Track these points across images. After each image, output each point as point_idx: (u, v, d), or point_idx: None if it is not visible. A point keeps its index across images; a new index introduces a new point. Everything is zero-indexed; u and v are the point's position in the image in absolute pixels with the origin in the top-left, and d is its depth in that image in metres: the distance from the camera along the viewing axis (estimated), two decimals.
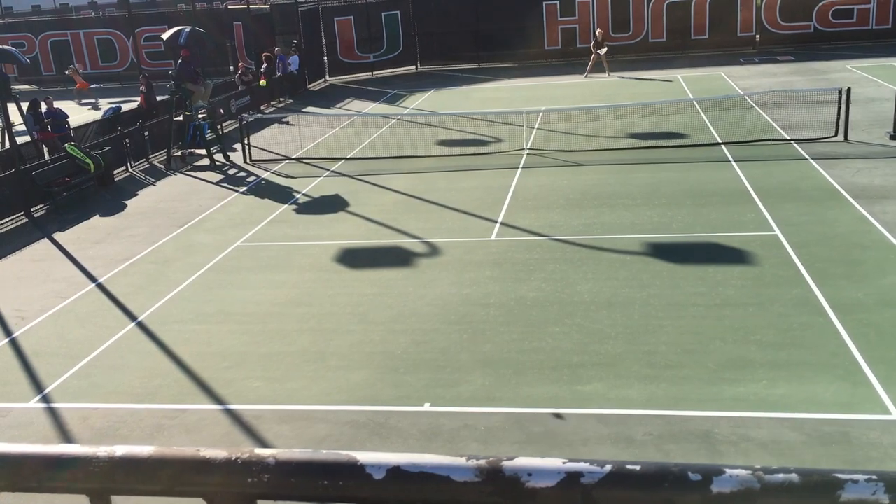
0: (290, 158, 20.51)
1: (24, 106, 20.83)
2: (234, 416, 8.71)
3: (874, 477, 0.91)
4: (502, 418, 8.30)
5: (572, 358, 9.35)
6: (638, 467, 0.94)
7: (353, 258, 13.17)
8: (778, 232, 12.79)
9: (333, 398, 8.92)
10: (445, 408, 8.56)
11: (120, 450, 1.00)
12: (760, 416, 7.98)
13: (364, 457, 0.98)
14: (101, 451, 1.00)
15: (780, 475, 0.92)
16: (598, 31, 31.65)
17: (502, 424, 8.19)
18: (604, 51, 30.42)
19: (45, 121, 20.52)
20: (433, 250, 13.24)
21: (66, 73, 34.38)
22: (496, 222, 14.37)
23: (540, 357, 9.44)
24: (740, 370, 8.82)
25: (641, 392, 8.56)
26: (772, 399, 8.24)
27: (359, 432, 8.24)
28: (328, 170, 19.16)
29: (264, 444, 8.12)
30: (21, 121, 20.71)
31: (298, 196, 17.18)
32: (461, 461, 0.96)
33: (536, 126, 21.38)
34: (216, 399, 9.07)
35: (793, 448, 7.45)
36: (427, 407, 8.61)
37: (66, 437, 8.61)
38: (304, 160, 20.26)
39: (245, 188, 18.20)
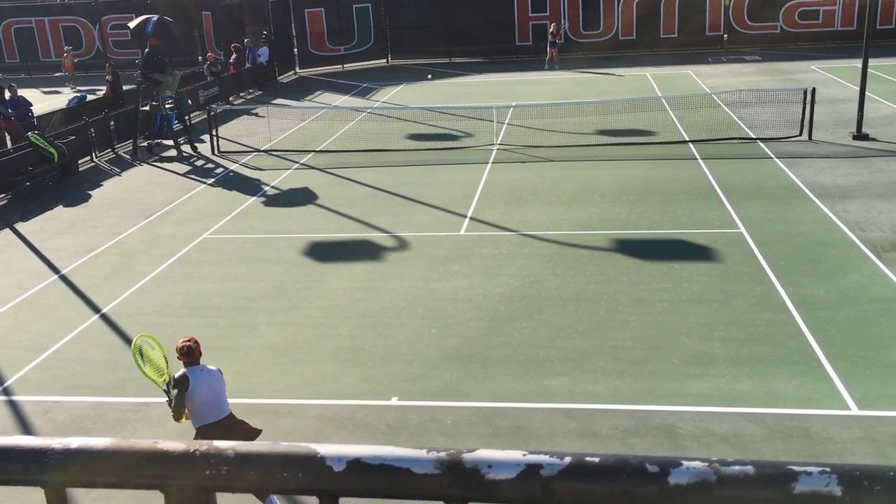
0: (258, 150, 20.34)
1: None
2: None
3: (827, 469, 0.92)
4: (469, 412, 8.32)
5: (539, 353, 9.40)
6: (597, 459, 0.95)
7: (322, 252, 13.10)
8: (743, 229, 12.96)
9: (300, 392, 8.88)
10: (413, 402, 8.57)
11: (75, 441, 0.98)
12: (723, 410, 8.10)
13: (324, 449, 0.97)
14: (56, 442, 0.98)
15: (736, 467, 0.93)
16: (552, 25, 32.40)
17: (469, 419, 8.22)
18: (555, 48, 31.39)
19: (11, 110, 20.10)
20: (402, 244, 13.22)
21: (65, 54, 34.89)
22: (465, 217, 14.39)
23: (507, 352, 9.47)
24: (704, 366, 8.93)
25: (607, 387, 8.64)
26: (734, 394, 8.36)
27: (325, 426, 8.22)
28: (297, 162, 19.04)
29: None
30: None
31: (267, 188, 17.05)
32: (422, 453, 0.96)
33: (507, 121, 21.42)
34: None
35: (754, 442, 7.56)
36: (394, 401, 8.61)
37: (27, 430, 8.47)
38: (273, 152, 20.11)
39: (213, 180, 18.02)
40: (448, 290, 11.23)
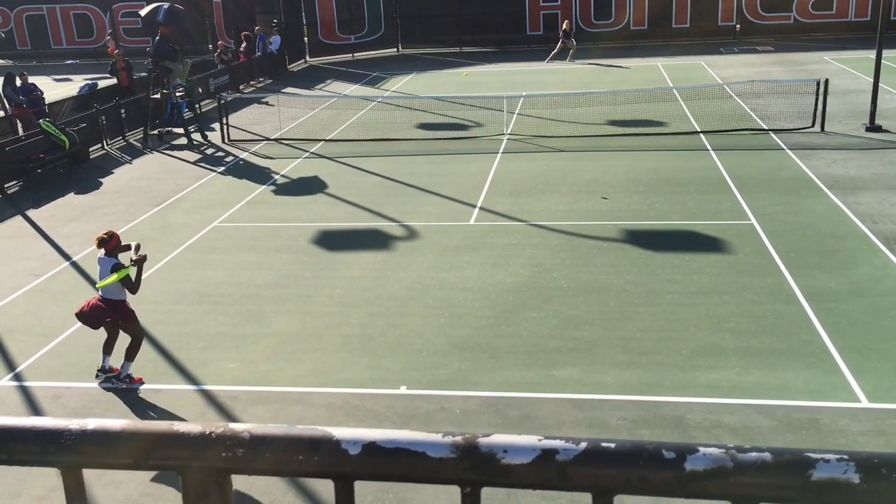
0: (268, 139, 20.36)
1: (0, 80, 20.47)
2: (209, 397, 8.67)
3: (845, 457, 0.92)
4: (478, 402, 8.33)
5: (548, 343, 9.40)
6: (613, 445, 0.95)
7: (332, 240, 13.12)
8: (754, 221, 12.90)
9: (309, 380, 8.91)
10: (421, 391, 8.58)
11: (92, 423, 0.99)
12: (732, 402, 8.08)
13: (339, 432, 0.98)
14: (74, 424, 0.99)
15: (753, 454, 0.93)
16: (565, 22, 32.00)
17: (478, 408, 8.23)
18: (569, 43, 30.96)
19: (22, 97, 20.17)
20: (412, 234, 13.22)
21: (107, 37, 35.93)
22: (475, 207, 14.38)
23: (516, 342, 9.47)
24: (714, 357, 8.92)
25: (616, 377, 8.63)
26: (744, 386, 8.34)
27: (335, 414, 8.24)
28: (307, 151, 19.05)
29: None
30: None
31: (277, 177, 17.07)
32: (437, 437, 0.96)
33: (517, 111, 21.36)
34: (191, 379, 9.03)
35: (763, 434, 7.55)
36: (403, 390, 8.63)
37: (39, 415, 8.53)
38: (283, 141, 20.12)
39: (223, 168, 18.05)
40: (457, 280, 11.23)
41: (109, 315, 8.75)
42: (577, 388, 8.49)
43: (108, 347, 9.09)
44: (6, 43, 34.59)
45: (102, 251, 8.74)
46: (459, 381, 8.73)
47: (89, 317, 8.78)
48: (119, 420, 1.00)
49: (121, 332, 8.97)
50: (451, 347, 9.42)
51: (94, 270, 12.25)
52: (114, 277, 8.52)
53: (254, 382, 8.91)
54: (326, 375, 8.99)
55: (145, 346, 9.81)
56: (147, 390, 8.87)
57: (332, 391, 8.67)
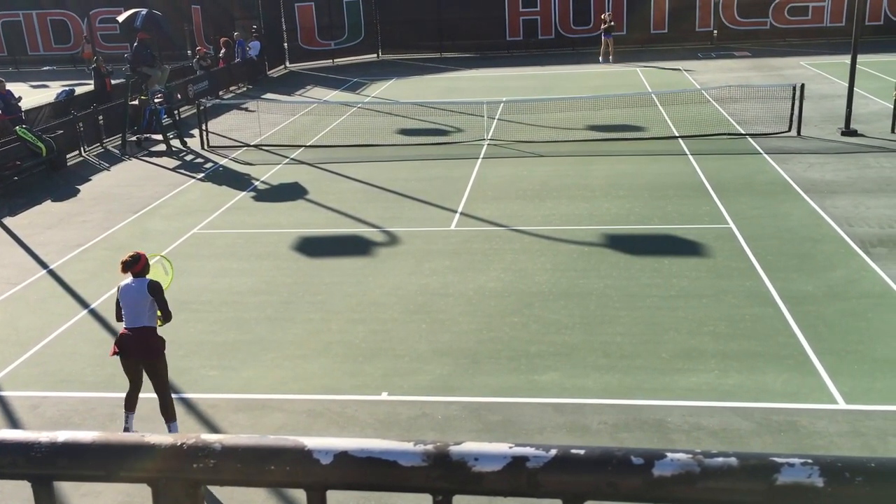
0: (248, 145, 20.28)
1: None
2: (189, 405, 8.62)
3: (809, 461, 0.94)
4: (459, 407, 8.33)
5: (530, 348, 9.43)
6: (582, 451, 0.96)
7: (312, 247, 13.09)
8: (732, 225, 13.01)
9: (290, 387, 8.87)
10: (403, 397, 8.57)
11: (62, 435, 0.98)
12: (712, 405, 8.14)
13: (311, 442, 0.98)
14: (43, 436, 0.98)
15: (720, 459, 0.94)
16: (605, 14, 31.88)
17: (460, 413, 8.23)
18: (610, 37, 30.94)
19: None
20: (393, 239, 13.22)
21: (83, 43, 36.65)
22: (456, 212, 14.40)
23: (497, 347, 9.49)
24: (693, 360, 8.98)
25: (597, 381, 8.67)
26: (723, 389, 8.41)
27: (316, 421, 8.22)
28: (287, 157, 19.00)
29: (219, 433, 8.05)
30: None
31: (257, 183, 17.00)
32: (408, 446, 0.97)
33: (497, 117, 21.43)
34: (171, 388, 8.94)
35: (742, 436, 7.61)
36: (385, 396, 8.61)
37: (16, 425, 8.43)
38: (263, 147, 20.05)
39: (202, 175, 17.96)
40: (438, 286, 11.24)
41: (148, 349, 7.64)
42: (559, 392, 8.51)
43: (132, 401, 7.86)
44: None
45: (130, 277, 7.73)
46: (441, 386, 8.73)
47: (140, 351, 7.62)
48: (90, 432, 1.00)
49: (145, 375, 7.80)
50: (433, 353, 9.42)
51: (71, 279, 12.16)
52: (161, 308, 7.71)
53: (234, 390, 8.87)
54: (307, 382, 8.96)
55: None
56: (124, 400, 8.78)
57: (313, 398, 8.65)
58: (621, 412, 8.10)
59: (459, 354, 9.36)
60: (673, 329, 9.70)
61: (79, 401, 8.83)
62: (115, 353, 7.69)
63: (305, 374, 9.14)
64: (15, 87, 22.20)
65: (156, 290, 7.74)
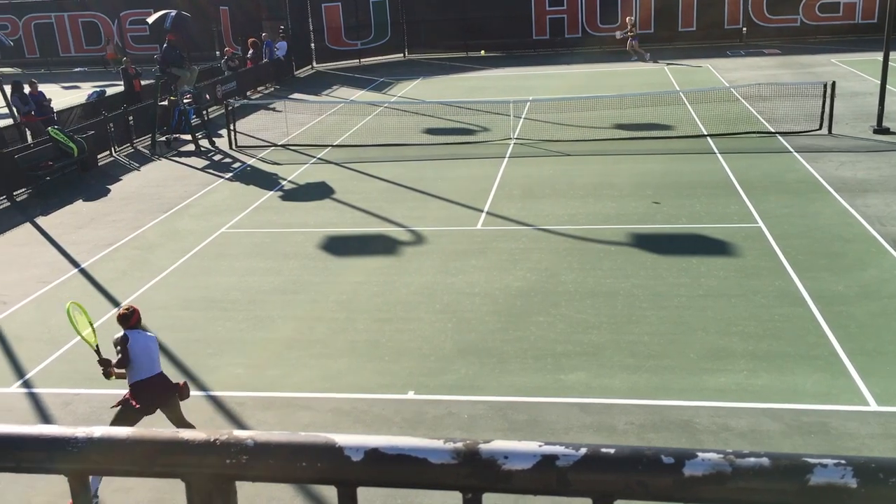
0: (276, 145, 20.42)
1: (7, 89, 20.58)
2: (217, 403, 8.70)
3: (843, 461, 0.93)
4: (485, 407, 8.33)
5: (556, 347, 9.40)
6: (612, 450, 0.96)
7: (339, 246, 13.15)
8: (761, 224, 12.87)
9: (317, 386, 8.92)
10: (429, 396, 8.59)
11: (98, 430, 1.00)
12: (740, 406, 8.06)
13: (342, 439, 0.99)
14: (80, 431, 1.00)
15: (751, 459, 0.94)
16: (628, 18, 31.86)
17: (485, 413, 8.23)
18: (620, 35, 30.90)
19: (32, 105, 20.30)
20: (419, 239, 13.24)
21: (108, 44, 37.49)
22: (482, 212, 14.39)
23: (524, 346, 9.47)
24: (722, 360, 8.90)
25: (624, 382, 8.62)
26: (752, 389, 8.32)
27: (342, 420, 8.26)
28: (314, 157, 19.10)
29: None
30: (4, 103, 20.47)
31: (284, 183, 17.12)
32: (438, 444, 0.97)
33: (524, 116, 21.38)
34: (199, 385, 9.05)
35: (772, 438, 7.53)
36: (411, 395, 8.63)
37: (48, 421, 8.57)
38: (291, 147, 20.17)
39: (230, 174, 18.11)
40: (464, 285, 11.24)
41: (171, 388, 7.57)
42: (585, 392, 8.48)
43: None
44: (15, 51, 34.80)
45: (127, 328, 7.51)
46: (467, 385, 8.73)
47: (164, 396, 7.53)
48: (125, 428, 1.02)
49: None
50: (459, 352, 9.43)
51: (102, 277, 12.32)
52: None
53: (261, 388, 8.94)
54: (334, 381, 9.00)
55: None
56: None
57: (340, 396, 8.69)
58: (648, 412, 8.05)
59: (485, 354, 9.36)
60: (701, 329, 9.62)
61: (110, 398, 8.92)
62: (133, 405, 7.38)
63: (332, 372, 9.18)
64: (47, 89, 22.55)
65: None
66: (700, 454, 0.94)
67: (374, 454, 0.97)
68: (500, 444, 0.97)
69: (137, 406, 7.36)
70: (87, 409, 8.75)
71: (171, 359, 9.70)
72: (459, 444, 0.97)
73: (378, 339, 9.86)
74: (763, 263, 11.37)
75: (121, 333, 7.44)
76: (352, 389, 8.80)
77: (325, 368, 9.28)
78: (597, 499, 0.96)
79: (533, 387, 8.63)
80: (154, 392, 7.45)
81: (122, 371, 7.45)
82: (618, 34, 31.40)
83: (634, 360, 9.04)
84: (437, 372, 9.04)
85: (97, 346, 7.64)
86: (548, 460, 0.95)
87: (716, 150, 17.39)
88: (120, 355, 7.37)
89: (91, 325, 7.85)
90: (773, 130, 18.73)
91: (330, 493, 6.92)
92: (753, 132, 18.66)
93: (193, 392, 8.90)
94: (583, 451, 0.95)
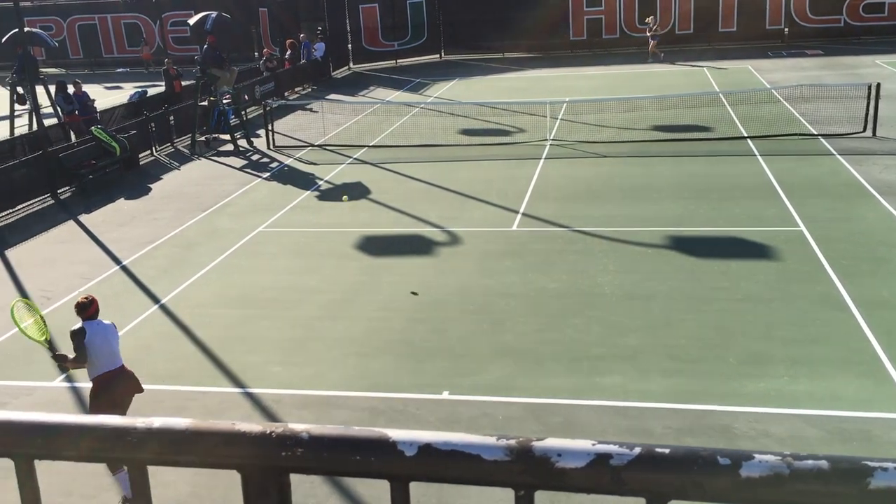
0: (313, 145, 20.58)
1: (52, 89, 21.02)
2: (255, 400, 8.79)
3: None
4: (520, 408, 8.31)
5: (592, 350, 9.34)
6: (667, 450, 0.95)
7: (375, 246, 13.21)
8: (803, 227, 12.67)
9: (352, 384, 8.97)
10: (464, 396, 8.59)
11: (157, 421, 1.02)
12: (780, 412, 7.94)
13: (396, 434, 0.99)
14: (139, 422, 1.02)
15: (810, 462, 0.92)
16: (648, 18, 31.73)
17: (520, 414, 8.21)
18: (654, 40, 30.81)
19: (76, 105, 20.71)
20: (454, 239, 13.25)
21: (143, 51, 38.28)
22: (518, 213, 14.35)
23: (559, 348, 9.43)
24: (761, 366, 8.77)
25: (661, 385, 8.54)
26: (792, 395, 8.19)
27: (377, 419, 8.29)
28: (351, 157, 19.21)
29: None
30: (49, 103, 20.89)
31: (321, 183, 17.24)
32: (492, 440, 0.98)
33: (560, 117, 21.28)
34: (237, 382, 9.16)
35: (812, 445, 7.40)
36: (446, 395, 8.64)
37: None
38: (327, 147, 20.32)
39: (268, 174, 18.29)
40: (500, 286, 11.22)
41: (137, 384, 7.49)
42: (621, 395, 8.42)
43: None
44: (59, 52, 35.52)
45: (85, 318, 7.40)
46: (502, 387, 8.72)
47: (131, 389, 7.50)
48: (183, 419, 1.03)
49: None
50: (494, 353, 9.41)
51: (143, 274, 12.52)
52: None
53: (298, 386, 9.01)
54: (369, 380, 9.05)
55: (192, 349, 10.00)
56: (193, 392, 9.02)
57: (375, 395, 8.73)
58: (686, 417, 7.96)
59: (520, 355, 9.33)
60: (740, 333, 9.49)
61: (149, 393, 9.05)
62: (100, 401, 7.22)
63: (368, 371, 9.23)
64: (90, 89, 22.97)
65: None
66: (757, 455, 0.93)
67: (427, 449, 0.98)
68: (553, 442, 0.97)
69: (102, 401, 7.15)
70: None
71: (208, 355, 9.83)
72: (513, 441, 0.97)
73: (413, 339, 9.89)
74: (804, 268, 11.19)
75: (77, 325, 7.28)
76: (387, 389, 8.84)
77: (361, 367, 9.33)
78: (651, 499, 0.96)
79: (568, 389, 8.59)
80: (118, 386, 7.28)
81: (81, 365, 7.31)
82: (650, 36, 31.25)
83: (672, 364, 8.95)
84: (471, 372, 9.04)
85: (48, 340, 7.46)
86: (602, 459, 0.95)
87: (756, 153, 17.15)
88: (77, 352, 7.22)
89: (42, 320, 7.71)
90: (815, 133, 18.43)
91: (365, 489, 6.96)
92: (795, 134, 18.37)
93: (230, 388, 9.02)
94: (637, 450, 0.95)
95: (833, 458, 0.93)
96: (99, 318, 7.48)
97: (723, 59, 30.54)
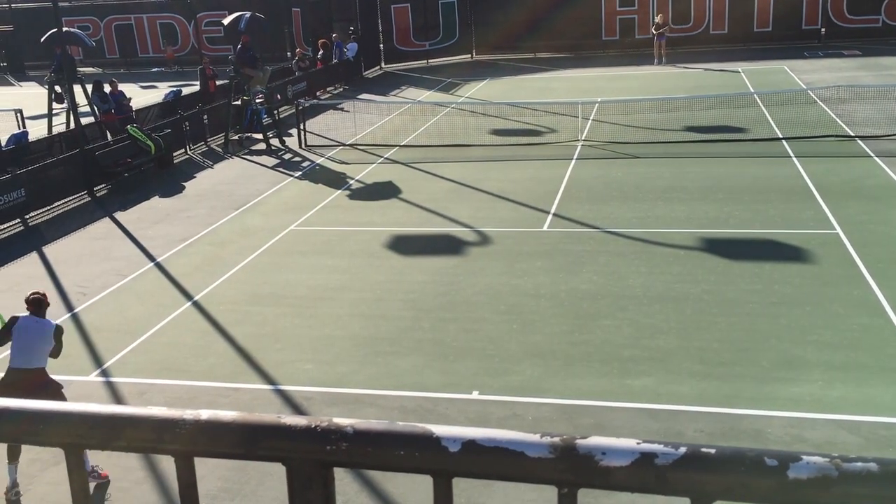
0: (344, 144, 20.68)
1: (89, 88, 21.35)
2: (285, 397, 8.86)
3: None
4: (550, 409, 8.28)
5: (623, 352, 9.29)
6: (713, 451, 0.94)
7: (405, 245, 13.24)
8: (839, 230, 12.48)
9: (382, 383, 9.01)
10: (494, 396, 8.58)
11: (205, 413, 1.04)
12: (815, 417, 7.83)
13: (439, 429, 1.00)
14: (188, 414, 1.04)
15: (859, 464, 0.92)
16: (658, 16, 31.43)
17: (550, 415, 8.18)
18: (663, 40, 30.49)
19: (112, 104, 21.03)
20: (484, 239, 13.24)
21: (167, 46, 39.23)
22: (549, 213, 14.31)
23: (590, 350, 9.39)
24: (795, 370, 8.66)
25: (693, 388, 8.47)
26: (827, 400, 8.08)
27: (407, 418, 8.31)
28: (382, 157, 19.28)
29: None
30: (85, 102, 21.23)
31: (352, 182, 17.33)
32: (535, 437, 0.98)
33: (592, 117, 21.17)
34: (268, 379, 9.24)
35: (848, 451, 7.28)
36: (475, 395, 8.64)
37: None
38: (359, 146, 20.41)
39: (300, 173, 18.42)
40: (530, 286, 11.19)
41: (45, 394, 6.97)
42: (652, 398, 8.36)
43: (15, 450, 7.17)
44: (96, 51, 36.07)
45: (33, 312, 7.38)
46: (532, 387, 8.70)
47: (30, 395, 7.20)
48: (230, 412, 1.05)
49: None
50: (524, 354, 9.40)
51: (176, 271, 12.68)
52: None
53: (328, 384, 9.06)
54: (399, 379, 9.08)
55: (224, 346, 10.11)
56: (226, 389, 9.11)
57: (405, 394, 8.75)
58: (718, 421, 7.89)
59: (550, 356, 9.30)
60: (774, 337, 9.38)
61: (183, 389, 9.20)
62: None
63: (397, 370, 9.26)
64: (126, 88, 23.30)
65: (60, 334, 7.35)
66: (805, 457, 0.92)
67: (471, 445, 0.98)
68: (597, 440, 0.97)
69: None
70: (162, 399, 9.01)
71: (240, 352, 9.92)
72: (556, 439, 0.97)
73: (443, 339, 9.90)
74: (840, 271, 11.02)
75: (20, 314, 7.38)
76: (417, 388, 8.86)
77: (391, 366, 9.36)
78: (695, 499, 0.95)
79: (599, 391, 8.55)
80: (16, 386, 7.02)
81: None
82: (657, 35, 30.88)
83: (704, 367, 8.87)
84: (501, 373, 9.03)
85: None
86: (646, 458, 0.95)
87: (791, 154, 16.93)
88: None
89: None
90: (852, 134, 18.14)
91: (393, 486, 6.98)
92: (832, 136, 18.10)
93: (262, 385, 9.10)
94: (682, 450, 0.95)
95: (883, 461, 0.92)
96: (47, 317, 7.52)
97: (758, 60, 30.18)
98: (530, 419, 8.13)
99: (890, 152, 16.56)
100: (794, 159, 16.55)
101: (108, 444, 1.04)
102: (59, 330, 7.46)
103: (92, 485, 7.21)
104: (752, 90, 23.92)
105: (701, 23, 34.00)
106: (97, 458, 7.48)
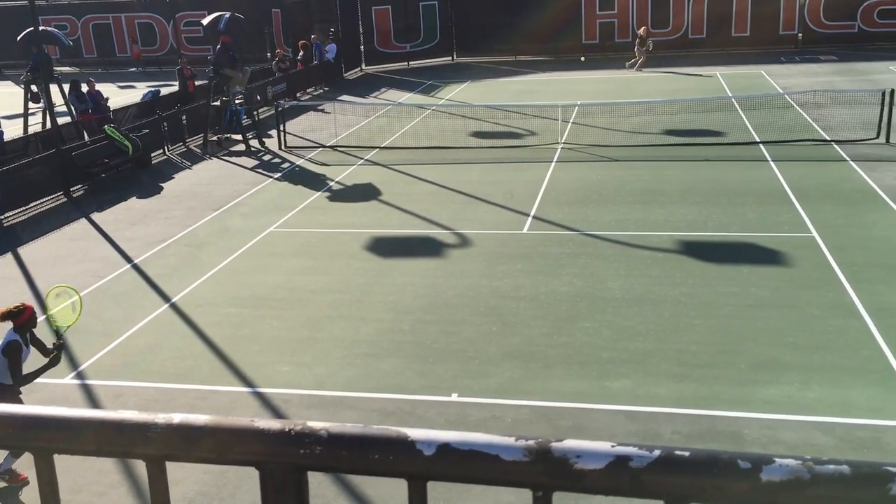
0: (324, 146, 20.62)
1: (66, 87, 21.14)
2: (264, 400, 8.81)
3: None
4: (529, 411, 8.30)
5: (601, 354, 9.32)
6: (687, 453, 0.95)
7: (385, 247, 13.22)
8: (815, 234, 12.61)
9: (361, 385, 8.98)
10: (473, 398, 8.58)
11: (177, 417, 1.02)
12: (791, 418, 7.90)
13: (414, 433, 0.99)
14: (160, 417, 1.02)
15: (831, 466, 0.92)
16: (641, 29, 31.59)
17: (529, 417, 8.20)
18: (647, 48, 30.64)
19: (89, 104, 20.83)
20: (464, 241, 13.25)
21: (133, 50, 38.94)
22: (528, 216, 14.34)
23: (569, 352, 9.42)
24: (772, 372, 8.73)
25: (671, 390, 8.52)
26: (803, 402, 8.15)
27: (386, 420, 8.29)
28: (362, 158, 19.24)
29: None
30: (62, 102, 21.02)
31: (332, 184, 17.27)
32: (510, 441, 0.97)
33: (571, 120, 21.26)
34: (246, 382, 9.18)
35: (823, 452, 7.36)
36: (455, 397, 8.64)
37: None
38: (339, 148, 20.35)
39: (279, 174, 18.34)
40: (510, 288, 11.21)
41: None
42: (630, 400, 8.40)
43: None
44: (73, 51, 35.72)
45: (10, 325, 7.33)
46: (511, 389, 8.71)
47: None
48: (202, 416, 1.04)
49: None
50: (503, 356, 9.41)
51: (154, 273, 12.57)
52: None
53: (307, 386, 9.02)
54: (378, 381, 9.05)
55: (202, 348, 10.03)
56: (203, 391, 9.04)
57: (384, 397, 8.73)
58: (695, 423, 7.94)
59: (530, 358, 9.32)
60: (751, 339, 9.45)
61: (159, 391, 9.12)
62: None
63: (377, 372, 9.23)
64: (104, 88, 23.08)
65: (12, 352, 7.15)
66: (778, 460, 0.93)
67: (445, 449, 0.98)
68: (572, 443, 0.96)
69: None
70: (138, 402, 8.92)
71: (218, 354, 9.85)
72: (531, 442, 0.97)
73: (423, 341, 9.89)
74: (816, 274, 11.14)
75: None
76: (396, 390, 8.84)
77: (370, 368, 9.33)
78: (670, 501, 0.95)
79: (578, 393, 8.57)
80: None
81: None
82: (650, 44, 31.03)
83: (681, 368, 8.92)
84: (481, 375, 9.04)
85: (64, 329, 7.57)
86: (621, 461, 0.95)
87: (768, 158, 17.09)
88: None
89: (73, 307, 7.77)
90: (828, 138, 18.34)
91: (373, 489, 6.96)
92: (808, 140, 18.30)
93: (240, 388, 9.04)
94: (657, 452, 0.95)
95: (854, 463, 0.93)
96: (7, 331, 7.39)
97: (735, 64, 30.44)
98: (509, 421, 8.14)
99: (865, 156, 16.77)
100: (772, 163, 16.71)
101: (78, 448, 1.03)
102: (12, 346, 7.26)
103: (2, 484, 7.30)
104: (729, 94, 24.13)
105: (680, 28, 34.26)
106: (68, 462, 7.39)
